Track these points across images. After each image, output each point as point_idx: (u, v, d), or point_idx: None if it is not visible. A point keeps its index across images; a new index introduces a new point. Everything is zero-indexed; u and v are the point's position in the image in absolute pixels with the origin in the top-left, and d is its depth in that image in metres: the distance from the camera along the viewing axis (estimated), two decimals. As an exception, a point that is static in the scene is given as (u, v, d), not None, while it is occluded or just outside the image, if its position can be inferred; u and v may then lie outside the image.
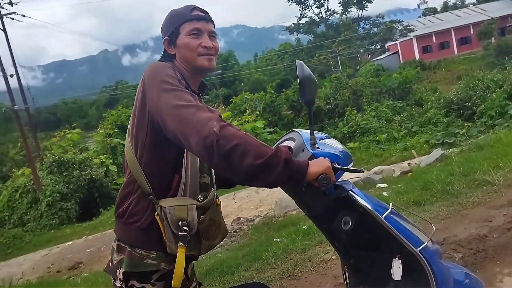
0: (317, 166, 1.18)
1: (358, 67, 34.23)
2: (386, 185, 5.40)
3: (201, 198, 1.37)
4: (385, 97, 19.56)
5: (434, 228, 1.45)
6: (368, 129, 16.28)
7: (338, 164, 1.30)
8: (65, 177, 15.67)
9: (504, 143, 5.43)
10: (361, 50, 34.80)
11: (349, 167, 1.34)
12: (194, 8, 1.45)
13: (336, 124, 18.66)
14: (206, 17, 1.45)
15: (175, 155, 1.33)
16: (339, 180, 1.41)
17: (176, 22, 1.43)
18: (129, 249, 1.33)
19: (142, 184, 1.32)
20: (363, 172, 1.38)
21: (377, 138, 15.44)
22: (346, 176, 1.46)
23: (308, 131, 1.51)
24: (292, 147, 1.42)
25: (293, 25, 35.83)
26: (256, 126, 17.37)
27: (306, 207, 1.48)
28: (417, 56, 41.83)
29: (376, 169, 6.34)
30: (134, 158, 1.33)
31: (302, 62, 1.37)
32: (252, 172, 1.10)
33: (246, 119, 18.42)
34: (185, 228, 1.28)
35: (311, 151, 1.32)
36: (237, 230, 5.47)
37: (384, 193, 4.87)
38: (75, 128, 26.11)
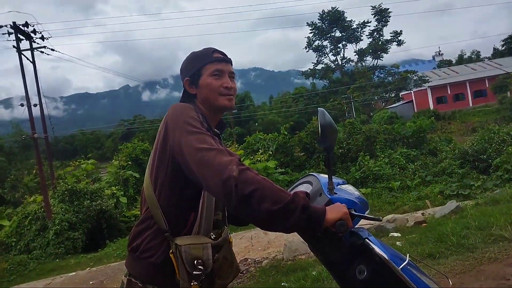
0: (335, 212, 1.19)
1: (371, 114, 34.51)
2: (399, 234, 5.28)
3: (214, 236, 1.38)
4: (399, 144, 19.50)
5: (450, 283, 1.42)
6: (381, 176, 16.11)
7: (355, 211, 1.31)
8: (76, 206, 15.73)
9: (522, 198, 5.32)
10: (375, 98, 35.25)
11: (366, 214, 1.35)
12: (215, 50, 1.52)
13: (348, 169, 18.54)
14: (226, 59, 1.53)
15: (194, 194, 1.35)
16: (355, 227, 1.40)
17: (198, 63, 1.49)
18: (140, 285, 1.33)
19: (158, 221, 1.33)
20: (380, 220, 1.39)
21: (390, 185, 15.22)
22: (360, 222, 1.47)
23: (326, 175, 1.53)
24: (309, 191, 1.44)
25: (309, 70, 36.76)
26: (268, 166, 17.38)
27: (320, 252, 1.47)
28: (431, 106, 42.06)
29: (389, 217, 6.21)
30: (152, 195, 1.35)
31: (323, 109, 1.41)
32: (269, 217, 1.11)
33: (258, 159, 18.49)
34: (200, 267, 1.28)
35: (329, 196, 1.34)
36: (244, 272, 5.34)
37: (398, 243, 4.75)
38: (90, 158, 26.52)
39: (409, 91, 41.50)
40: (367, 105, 34.20)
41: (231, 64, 1.55)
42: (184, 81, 1.50)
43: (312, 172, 1.67)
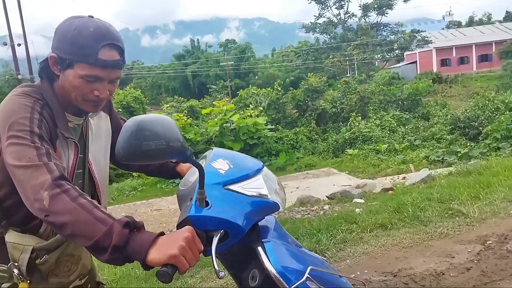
0: (160, 252, 0.89)
1: (371, 73, 33.70)
2: (363, 201, 5.18)
3: None
4: (393, 106, 19.17)
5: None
6: (370, 138, 15.95)
7: (229, 234, 1.01)
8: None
9: (493, 171, 5.16)
10: (376, 56, 34.18)
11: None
12: (107, 45, 1.14)
13: (339, 129, 18.38)
14: (115, 65, 1.16)
15: None
16: (264, 219, 1.18)
17: (75, 52, 1.13)
18: None
19: None
20: (220, 278, 1.08)
21: (377, 147, 15.12)
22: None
23: (232, 152, 1.26)
24: (187, 185, 1.17)
25: (310, 23, 35.29)
26: (258, 122, 17.13)
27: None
28: (435, 68, 41.04)
29: (360, 182, 6.09)
30: None
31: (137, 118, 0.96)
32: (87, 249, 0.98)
33: (249, 114, 18.19)
34: (15, 270, 1.14)
35: (188, 213, 1.01)
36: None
37: (357, 210, 4.65)
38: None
39: (414, 52, 40.32)
40: (366, 64, 33.25)
41: (122, 66, 1.20)
42: (51, 55, 1.17)
43: (217, 148, 1.33)
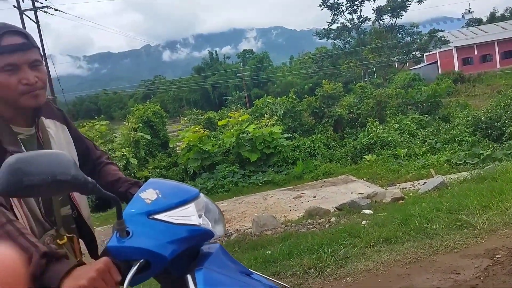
0: (72, 283, 0.91)
1: (390, 76, 33.05)
2: (371, 212, 5.03)
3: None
4: (412, 109, 18.70)
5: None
6: (389, 142, 15.58)
7: (150, 264, 1.02)
8: (84, 168, 16.13)
9: (508, 177, 4.90)
10: (393, 59, 33.51)
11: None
12: (6, 32, 1.17)
13: (356, 134, 18.07)
14: (22, 46, 1.18)
15: None
16: (210, 242, 1.19)
17: None
18: None
19: None
20: None
21: (396, 152, 14.74)
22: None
23: (167, 182, 1.25)
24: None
25: (323, 30, 35.07)
26: (273, 131, 17.09)
27: None
28: (456, 68, 39.96)
29: (370, 191, 5.92)
30: None
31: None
32: None
33: (264, 123, 18.19)
34: None
35: (109, 243, 1.03)
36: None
37: (363, 222, 4.52)
38: (102, 120, 26.97)
39: (434, 52, 39.44)
40: (382, 67, 32.65)
41: (35, 48, 1.22)
42: None
43: (156, 179, 1.34)
